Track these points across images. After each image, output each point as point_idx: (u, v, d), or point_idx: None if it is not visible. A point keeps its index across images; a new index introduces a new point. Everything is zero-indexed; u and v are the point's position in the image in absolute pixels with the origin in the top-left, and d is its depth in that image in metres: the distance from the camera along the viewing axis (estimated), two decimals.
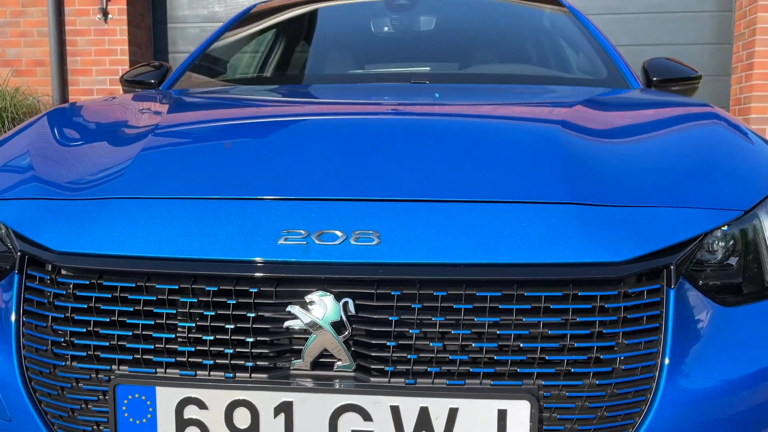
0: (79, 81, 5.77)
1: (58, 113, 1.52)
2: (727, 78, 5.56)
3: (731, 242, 1.03)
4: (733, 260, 1.03)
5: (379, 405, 0.87)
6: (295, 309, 0.91)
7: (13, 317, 0.99)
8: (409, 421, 0.87)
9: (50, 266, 0.99)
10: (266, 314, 0.92)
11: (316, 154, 1.11)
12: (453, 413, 0.86)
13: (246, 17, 2.66)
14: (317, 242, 0.92)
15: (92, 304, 0.95)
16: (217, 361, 0.92)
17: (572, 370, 0.88)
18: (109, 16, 5.67)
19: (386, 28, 2.53)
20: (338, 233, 0.93)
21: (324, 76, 2.26)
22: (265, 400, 0.89)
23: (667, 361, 0.89)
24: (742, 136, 1.30)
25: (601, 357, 0.88)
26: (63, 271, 0.98)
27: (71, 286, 0.97)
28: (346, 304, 0.90)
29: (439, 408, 0.87)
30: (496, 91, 1.78)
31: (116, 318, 0.94)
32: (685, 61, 5.75)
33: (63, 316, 0.97)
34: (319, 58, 2.45)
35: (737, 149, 1.22)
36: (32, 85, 5.68)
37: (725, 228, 1.01)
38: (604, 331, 0.89)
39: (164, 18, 6.11)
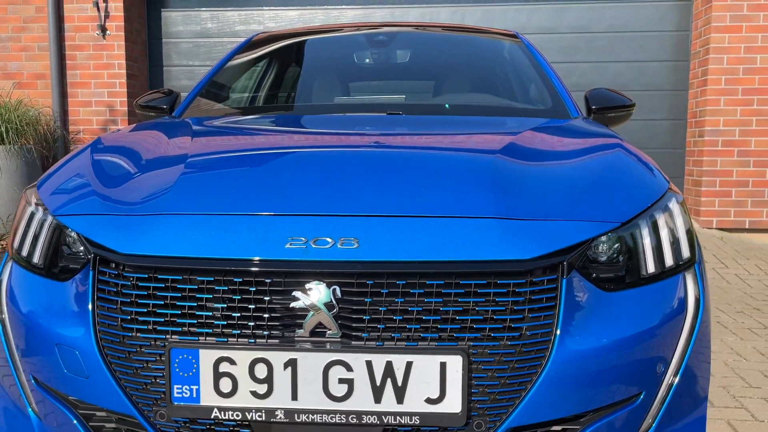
0: (78, 93, 6.09)
1: (101, 143, 1.87)
2: (685, 93, 6.00)
3: (616, 245, 1.41)
4: (620, 257, 1.41)
5: (357, 360, 1.24)
6: (298, 294, 1.27)
7: (89, 302, 1.35)
8: (379, 371, 1.23)
9: (117, 264, 1.34)
10: (277, 298, 1.28)
11: (312, 180, 1.48)
12: (409, 365, 1.23)
13: (246, 47, 3.02)
14: (314, 246, 1.29)
15: (150, 291, 1.30)
16: (242, 331, 1.27)
17: (492, 334, 1.25)
18: (107, 32, 5.99)
19: (367, 60, 2.90)
20: (329, 240, 1.29)
21: (315, 107, 2.64)
22: (278, 357, 1.25)
23: (558, 331, 1.26)
24: (636, 162, 1.68)
25: (513, 325, 1.25)
26: (127, 268, 1.34)
27: (134, 278, 1.32)
28: (334, 290, 1.26)
29: (399, 361, 1.23)
30: (455, 123, 2.17)
31: (168, 301, 1.30)
32: (647, 78, 6.24)
33: (128, 300, 1.32)
34: (310, 86, 2.83)
35: (628, 173, 1.61)
36: (33, 97, 5.98)
37: (610, 234, 1.39)
38: (515, 308, 1.26)
39: (159, 33, 6.45)
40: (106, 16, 5.96)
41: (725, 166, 5.56)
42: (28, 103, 5.78)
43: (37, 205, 1.58)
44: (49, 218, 1.51)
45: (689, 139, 5.95)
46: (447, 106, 2.53)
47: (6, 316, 1.53)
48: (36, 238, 1.52)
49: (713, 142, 5.57)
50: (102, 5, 5.92)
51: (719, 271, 4.51)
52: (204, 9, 6.38)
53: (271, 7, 6.32)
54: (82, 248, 1.43)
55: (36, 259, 1.50)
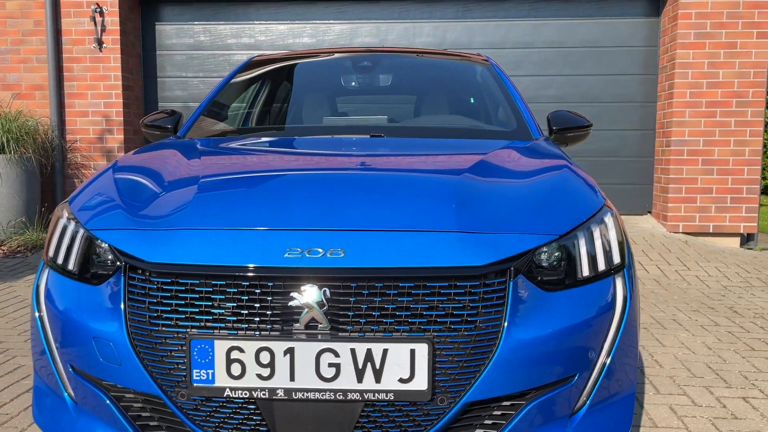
0: (75, 104, 6.33)
1: (121, 164, 2.15)
2: (653, 104, 6.35)
3: (557, 252, 1.71)
4: (560, 263, 1.71)
5: (343, 348, 1.52)
6: (295, 295, 1.55)
7: (122, 302, 1.63)
8: (361, 357, 1.52)
9: (144, 271, 1.62)
10: (278, 298, 1.56)
11: (305, 199, 1.77)
12: (385, 352, 1.52)
13: (243, 69, 3.30)
14: (308, 256, 1.57)
15: (173, 293, 1.58)
16: (249, 325, 1.55)
17: (452, 326, 1.54)
18: (104, 45, 6.24)
19: (353, 84, 3.21)
20: (320, 250, 1.58)
21: (307, 128, 2.96)
22: (278, 346, 1.52)
23: (506, 323, 1.56)
24: (580, 181, 1.99)
25: (469, 319, 1.54)
26: (153, 274, 1.61)
27: (159, 282, 1.60)
28: (325, 292, 1.54)
29: (377, 348, 1.52)
30: (429, 146, 2.48)
31: (188, 301, 1.57)
32: (618, 90, 6.59)
33: (155, 300, 1.59)
34: (302, 107, 3.14)
35: (570, 191, 1.91)
36: (31, 108, 6.22)
37: (551, 244, 1.69)
38: (471, 305, 1.55)
39: (153, 46, 6.70)
40: (103, 30, 6.20)
41: (690, 174, 5.91)
42: (27, 114, 6.02)
43: (69, 219, 1.86)
44: (82, 231, 1.78)
45: (657, 149, 6.30)
46: (423, 126, 2.85)
47: (44, 313, 1.80)
48: (70, 247, 1.80)
49: (679, 152, 5.92)
50: (99, 19, 6.16)
51: (681, 273, 4.84)
52: (197, 23, 6.64)
53: (262, 21, 6.60)
54: (110, 256, 1.71)
55: (71, 266, 1.78)
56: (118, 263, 1.67)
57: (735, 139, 5.85)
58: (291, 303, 1.56)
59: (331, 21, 6.55)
